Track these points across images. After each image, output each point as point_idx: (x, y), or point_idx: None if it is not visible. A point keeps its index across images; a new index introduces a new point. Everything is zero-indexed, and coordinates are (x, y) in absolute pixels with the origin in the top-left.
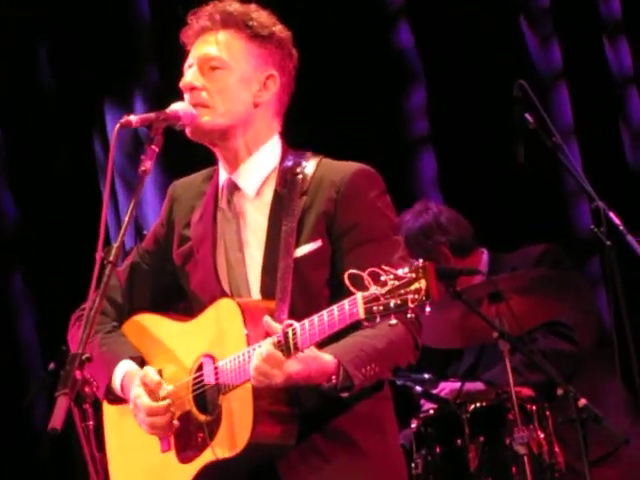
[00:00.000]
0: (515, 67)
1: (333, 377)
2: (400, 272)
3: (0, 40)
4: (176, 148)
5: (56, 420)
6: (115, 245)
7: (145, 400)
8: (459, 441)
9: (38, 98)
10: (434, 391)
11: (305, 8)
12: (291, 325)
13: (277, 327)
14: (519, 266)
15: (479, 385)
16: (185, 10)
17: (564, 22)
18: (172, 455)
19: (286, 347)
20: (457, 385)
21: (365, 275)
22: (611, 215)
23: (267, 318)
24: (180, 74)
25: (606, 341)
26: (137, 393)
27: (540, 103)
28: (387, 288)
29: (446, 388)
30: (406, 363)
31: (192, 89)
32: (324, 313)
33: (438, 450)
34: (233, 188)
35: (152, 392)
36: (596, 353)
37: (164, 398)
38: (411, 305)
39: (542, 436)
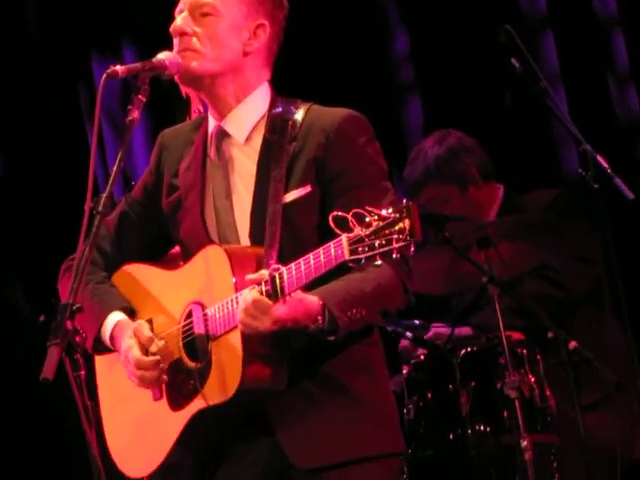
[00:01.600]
0: (501, 12)
1: (319, 319)
2: (384, 213)
3: None
4: (165, 98)
5: (48, 370)
6: (104, 195)
7: (136, 353)
8: (450, 386)
9: (23, 48)
10: (425, 336)
11: None
12: (278, 269)
13: (262, 274)
14: (528, 208)
15: (468, 330)
16: None
17: None
18: (164, 403)
19: (273, 292)
20: (447, 330)
21: (349, 217)
22: (599, 158)
23: (249, 276)
24: (171, 20)
25: (601, 287)
26: (129, 344)
27: (526, 48)
28: (371, 229)
29: (435, 332)
30: (395, 307)
31: (182, 34)
32: (310, 256)
33: (430, 395)
34: (222, 135)
35: (143, 346)
36: (590, 300)
37: (154, 354)
38: (395, 245)
39: (533, 380)
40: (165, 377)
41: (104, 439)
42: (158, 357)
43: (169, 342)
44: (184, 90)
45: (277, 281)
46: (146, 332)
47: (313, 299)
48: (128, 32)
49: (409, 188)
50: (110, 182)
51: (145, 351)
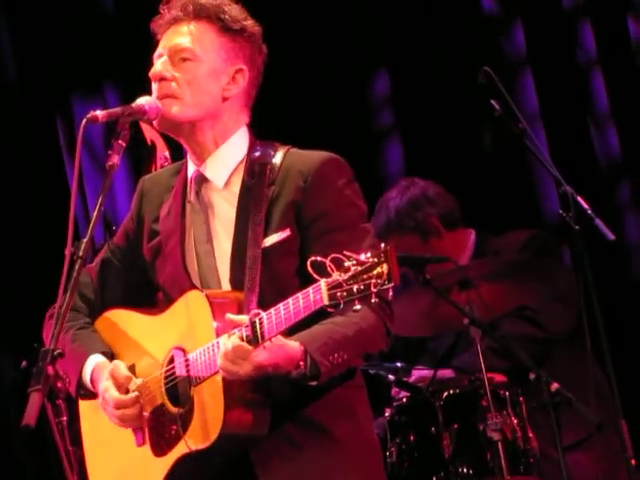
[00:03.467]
0: (481, 53)
1: (301, 364)
2: (362, 257)
3: None
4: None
5: (30, 416)
6: (84, 240)
7: (113, 393)
8: (433, 429)
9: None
10: (407, 379)
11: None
12: (258, 314)
13: (243, 319)
14: (503, 250)
15: (450, 372)
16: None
17: (528, 7)
18: (147, 449)
19: (254, 337)
20: (429, 373)
21: (327, 262)
22: (579, 200)
23: (229, 315)
24: (150, 64)
25: (581, 328)
26: (105, 386)
27: (506, 89)
28: (350, 274)
29: (418, 375)
30: (377, 350)
31: (162, 79)
32: (290, 301)
33: (412, 438)
34: (202, 180)
35: (121, 386)
36: (570, 341)
37: (133, 391)
38: (374, 289)
39: (516, 422)
40: (146, 414)
41: None
42: (136, 393)
43: (152, 387)
44: (149, 137)
45: (257, 326)
46: (123, 371)
47: (294, 345)
48: (109, 73)
49: None
50: (91, 227)
51: (126, 391)
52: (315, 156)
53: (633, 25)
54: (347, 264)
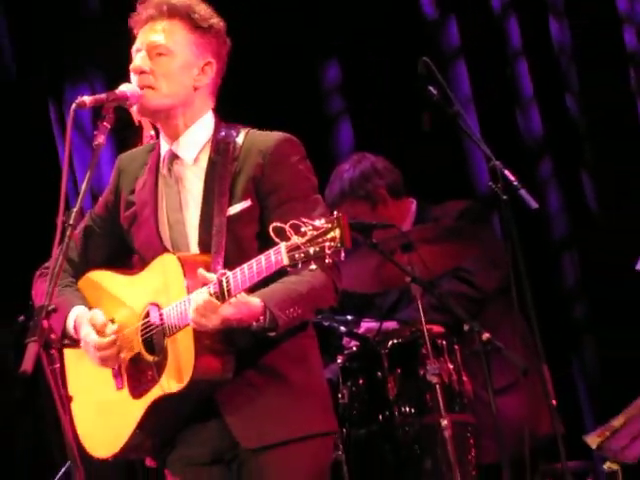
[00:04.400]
0: (419, 45)
1: (261, 318)
2: (317, 223)
3: None
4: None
5: (27, 364)
6: (74, 210)
7: (93, 337)
8: (379, 373)
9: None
10: (356, 330)
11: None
12: (225, 274)
13: (211, 277)
14: (441, 218)
15: (394, 324)
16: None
17: (461, 3)
18: (126, 392)
19: (221, 294)
20: (376, 324)
21: (287, 227)
22: (506, 173)
23: (200, 270)
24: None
25: (509, 285)
26: (86, 332)
27: (442, 77)
28: (307, 237)
29: (366, 327)
30: (327, 305)
31: (141, 72)
32: (253, 262)
33: (361, 382)
34: (173, 157)
35: (99, 331)
36: (500, 296)
37: (109, 335)
38: (328, 251)
39: (452, 367)
40: (123, 355)
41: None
42: (114, 337)
43: (130, 337)
44: (136, 119)
45: (224, 284)
46: (100, 318)
47: (256, 301)
48: (95, 63)
49: (328, 205)
50: (80, 198)
51: (104, 335)
52: (272, 136)
53: (553, 22)
54: (304, 229)
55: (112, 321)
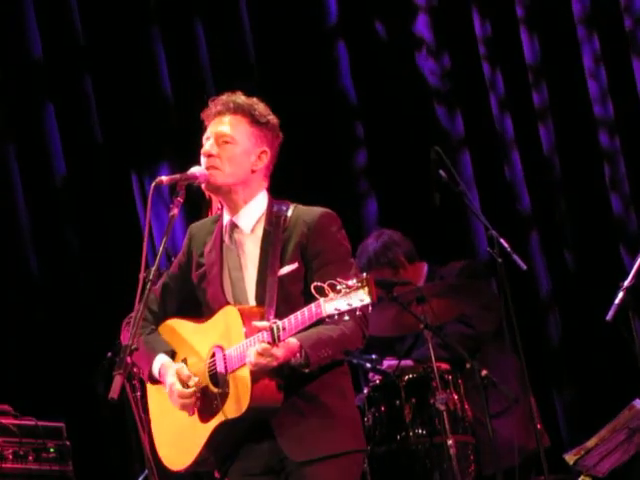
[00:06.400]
0: (431, 136)
1: (297, 355)
2: (350, 283)
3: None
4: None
5: (114, 392)
6: (153, 268)
7: (178, 387)
8: (397, 402)
9: (89, 151)
10: (379, 367)
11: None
12: (275, 322)
13: (264, 325)
14: (446, 276)
15: (410, 362)
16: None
17: (465, 101)
18: (196, 418)
19: (272, 339)
20: (395, 362)
21: (326, 286)
22: (501, 240)
23: (255, 322)
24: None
25: (502, 328)
26: (172, 382)
27: (450, 162)
28: (341, 294)
29: (387, 364)
30: (355, 347)
31: (209, 156)
32: (298, 314)
33: (383, 409)
34: (234, 227)
35: (183, 382)
36: (495, 338)
37: (190, 387)
38: (359, 305)
39: (456, 397)
40: (198, 403)
41: (153, 442)
42: (194, 389)
43: (199, 374)
44: (207, 194)
45: (275, 332)
46: (185, 372)
47: (294, 341)
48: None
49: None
50: (157, 259)
51: (187, 386)
52: (315, 210)
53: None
54: (339, 287)
55: (185, 360)
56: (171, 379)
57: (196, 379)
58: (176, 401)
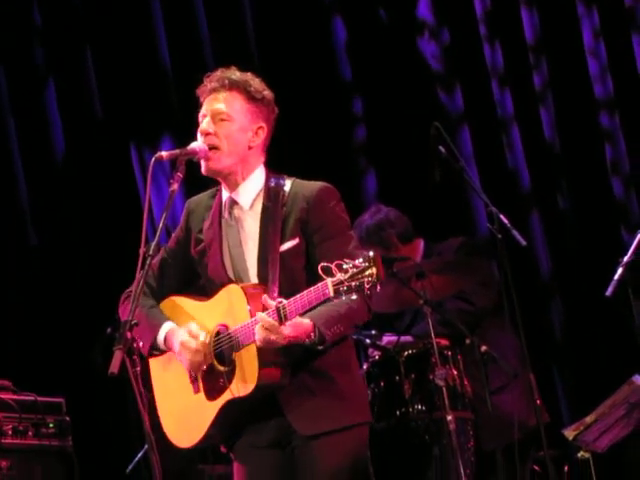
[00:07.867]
0: (431, 112)
1: (312, 334)
2: (357, 262)
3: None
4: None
5: (114, 367)
6: (153, 243)
7: (189, 339)
8: (397, 378)
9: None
10: (379, 342)
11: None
12: (281, 302)
13: (272, 303)
14: (443, 252)
15: (410, 338)
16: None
17: (465, 76)
18: (202, 396)
19: (279, 318)
20: (394, 338)
21: (332, 266)
22: (501, 216)
23: (265, 297)
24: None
25: (502, 305)
26: (183, 338)
27: (449, 138)
28: (349, 274)
29: (387, 340)
30: (362, 322)
31: (207, 134)
32: (305, 293)
33: (382, 384)
34: (233, 203)
35: (194, 336)
36: (495, 313)
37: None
38: (367, 285)
39: (455, 373)
40: (204, 367)
41: (158, 419)
42: (208, 339)
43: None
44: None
45: (281, 311)
46: (196, 328)
47: (307, 321)
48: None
49: None
50: (157, 234)
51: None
52: (314, 184)
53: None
54: (346, 267)
55: None
56: (183, 336)
57: (207, 335)
58: (185, 358)
